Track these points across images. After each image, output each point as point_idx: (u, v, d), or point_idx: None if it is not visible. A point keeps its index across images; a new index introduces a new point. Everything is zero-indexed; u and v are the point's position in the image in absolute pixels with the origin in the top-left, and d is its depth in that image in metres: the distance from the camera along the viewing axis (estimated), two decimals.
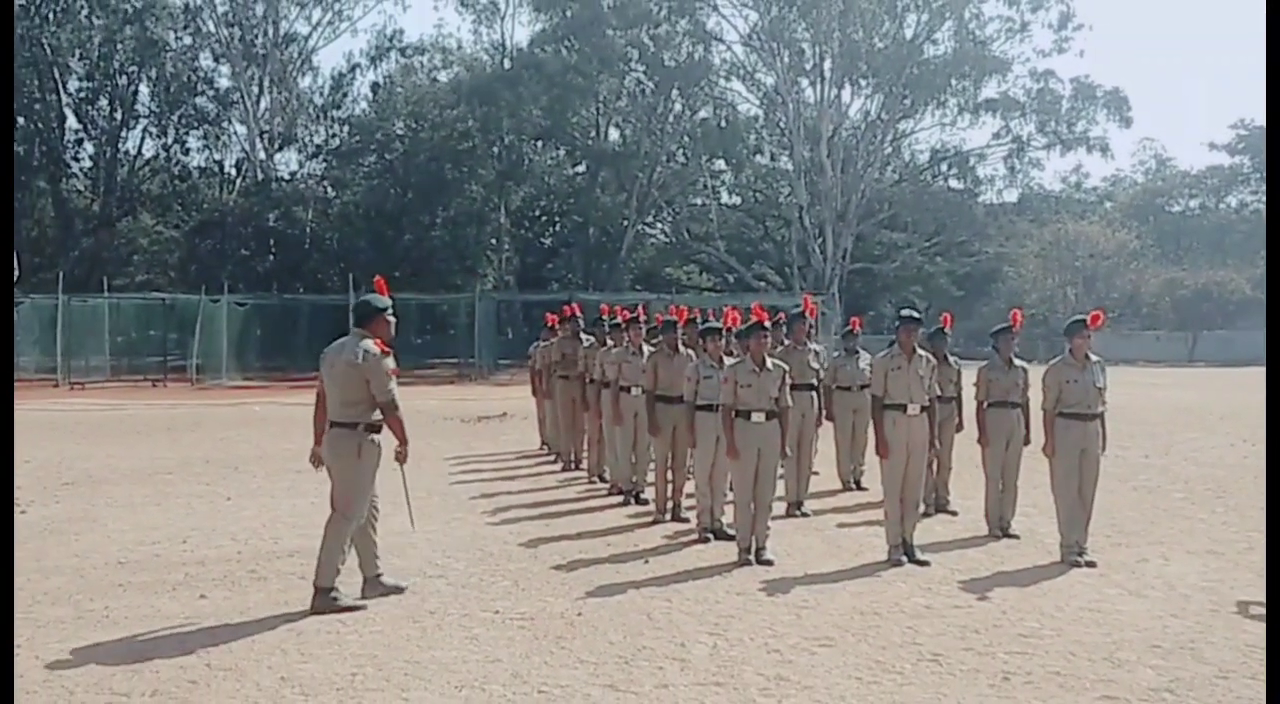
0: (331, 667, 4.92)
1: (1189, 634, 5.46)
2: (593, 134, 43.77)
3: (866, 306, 40.75)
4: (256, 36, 41.14)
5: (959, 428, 9.03)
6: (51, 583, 6.49)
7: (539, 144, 43.77)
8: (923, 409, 7.14)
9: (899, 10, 40.46)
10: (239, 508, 9.14)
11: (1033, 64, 43.19)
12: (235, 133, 43.00)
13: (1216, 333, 44.36)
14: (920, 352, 7.28)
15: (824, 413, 10.10)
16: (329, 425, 5.93)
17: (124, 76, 40.17)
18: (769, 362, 7.18)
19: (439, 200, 40.79)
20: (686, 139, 43.11)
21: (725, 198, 47.38)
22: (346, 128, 43.60)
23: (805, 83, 42.00)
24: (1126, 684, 4.74)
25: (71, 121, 40.59)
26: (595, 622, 5.62)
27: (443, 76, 45.24)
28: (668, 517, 8.49)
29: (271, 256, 40.73)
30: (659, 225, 48.64)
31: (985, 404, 8.12)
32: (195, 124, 42.38)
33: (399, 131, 42.00)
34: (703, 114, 43.31)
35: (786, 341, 9.24)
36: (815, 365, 9.25)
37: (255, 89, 41.50)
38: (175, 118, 41.69)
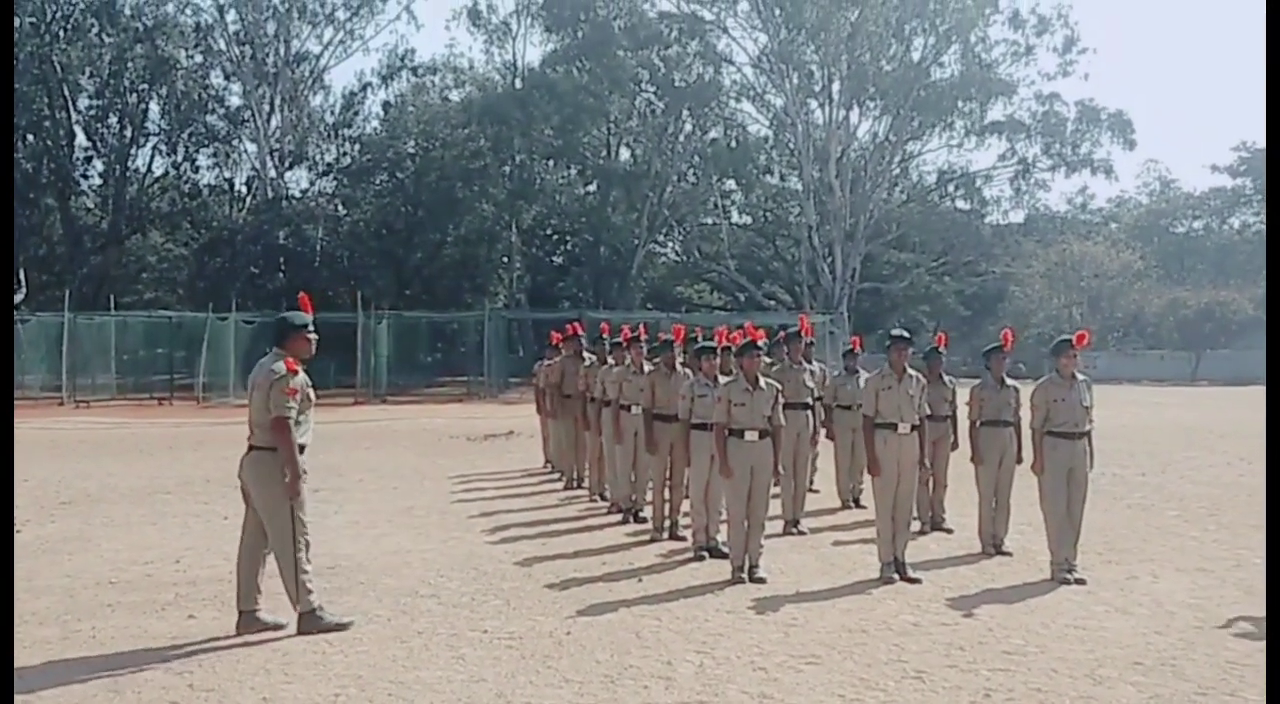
0: (315, 688, 4.94)
1: (1172, 651, 5.49)
2: (604, 153, 43.96)
3: (875, 326, 40.70)
4: (268, 55, 41.37)
5: (954, 446, 9.08)
6: (41, 603, 6.51)
7: (550, 163, 43.95)
8: (913, 428, 7.19)
9: (906, 34, 40.69)
10: (235, 527, 8.95)
11: (1038, 87, 43.67)
12: (246, 151, 43.20)
13: (1220, 352, 44.24)
14: (911, 371, 7.34)
15: (825, 431, 10.18)
16: (249, 449, 5.88)
17: (134, 94, 40.41)
18: (762, 381, 7.23)
19: (450, 219, 40.94)
20: (697, 159, 43.31)
21: (735, 217, 47.55)
22: (357, 146, 43.77)
23: (814, 104, 42.23)
24: (1106, 701, 4.78)
25: (81, 139, 40.81)
26: (583, 641, 5.65)
27: (454, 96, 45.50)
28: (665, 534, 8.53)
29: (281, 274, 40.78)
30: (669, 244, 48.81)
31: (978, 423, 8.19)
32: (205, 142, 42.50)
33: (410, 150, 42.19)
34: (713, 134, 43.54)
35: (785, 360, 9.30)
36: (811, 384, 9.29)
37: (266, 107, 41.68)
38: (185, 135, 41.81)
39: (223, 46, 41.23)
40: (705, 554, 7.70)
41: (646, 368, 9.11)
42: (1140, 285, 46.66)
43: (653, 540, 8.44)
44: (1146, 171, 63.88)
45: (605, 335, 10.70)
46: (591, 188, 44.70)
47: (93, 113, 41.02)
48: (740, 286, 44.81)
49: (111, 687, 4.94)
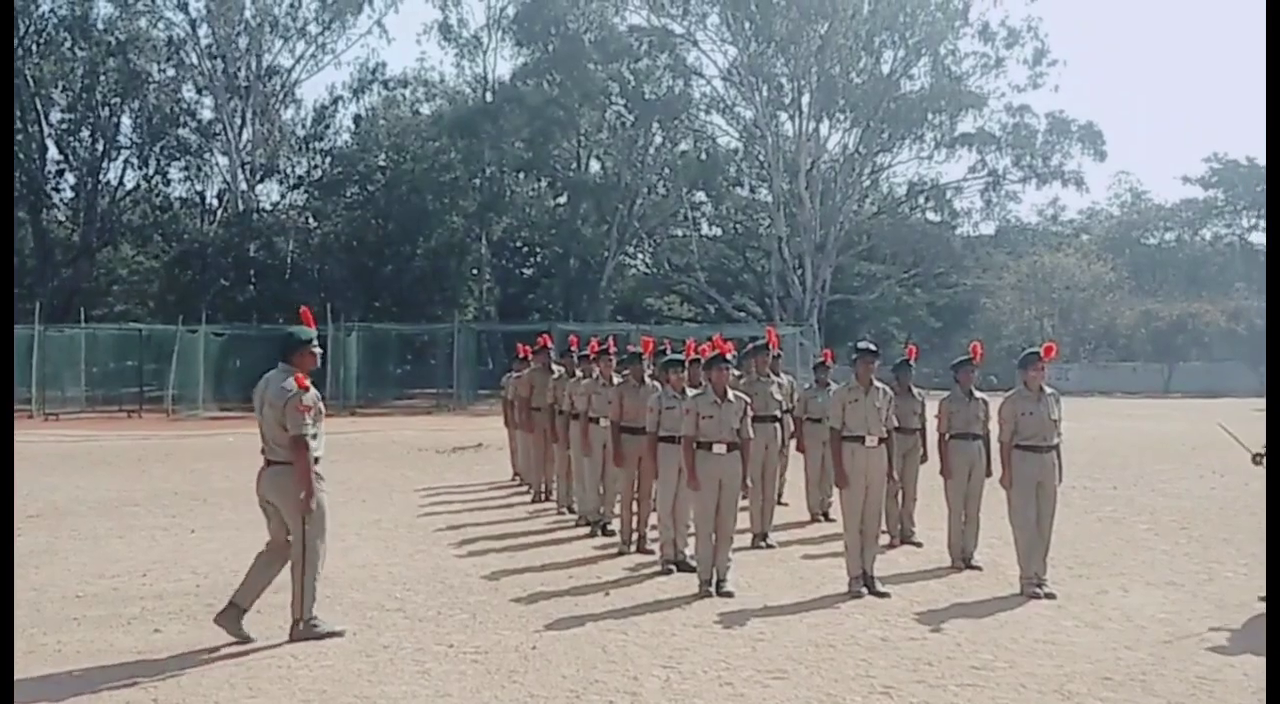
0: (280, 702, 4.89)
1: (1141, 666, 5.48)
2: (574, 166, 44.03)
3: (846, 337, 40.88)
4: (239, 69, 41.29)
5: (923, 459, 9.08)
6: None
7: (520, 176, 44.01)
8: (881, 441, 7.17)
9: (876, 46, 40.99)
10: (203, 541, 9.08)
11: (1008, 99, 43.80)
12: (217, 164, 43.11)
13: (1192, 364, 44.75)
14: (878, 384, 7.32)
15: (796, 443, 10.18)
16: (266, 463, 5.93)
17: (106, 108, 40.26)
18: (731, 393, 7.21)
19: (420, 231, 40.92)
20: (667, 171, 43.45)
21: (705, 229, 47.68)
22: (328, 159, 43.81)
23: (784, 116, 42.45)
24: None
25: (53, 152, 40.72)
26: (549, 655, 5.60)
27: (425, 109, 45.57)
28: (632, 547, 8.49)
29: (251, 287, 40.66)
30: (640, 256, 48.90)
31: (947, 436, 8.18)
32: (177, 155, 42.42)
33: (381, 163, 42.24)
34: (683, 147, 43.73)
35: (752, 372, 9.29)
36: (779, 397, 9.29)
37: (238, 121, 41.63)
38: (157, 149, 41.70)
39: (195, 60, 41.14)
40: (673, 568, 7.66)
41: (615, 380, 9.07)
42: (1112, 297, 47.14)
43: (620, 553, 8.40)
44: (1118, 183, 64.51)
45: (574, 348, 10.66)
46: (562, 200, 44.76)
47: (65, 126, 40.93)
48: (710, 298, 44.91)
49: (75, 701, 4.86)
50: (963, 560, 7.98)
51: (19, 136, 38.35)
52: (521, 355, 12.79)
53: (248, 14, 40.64)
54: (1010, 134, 43.71)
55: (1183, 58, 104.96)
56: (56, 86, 39.06)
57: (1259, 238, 60.86)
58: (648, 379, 8.74)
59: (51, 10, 38.89)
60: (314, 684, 5.13)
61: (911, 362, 9.01)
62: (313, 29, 42.10)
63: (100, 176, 41.04)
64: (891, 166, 46.30)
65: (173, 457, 16.75)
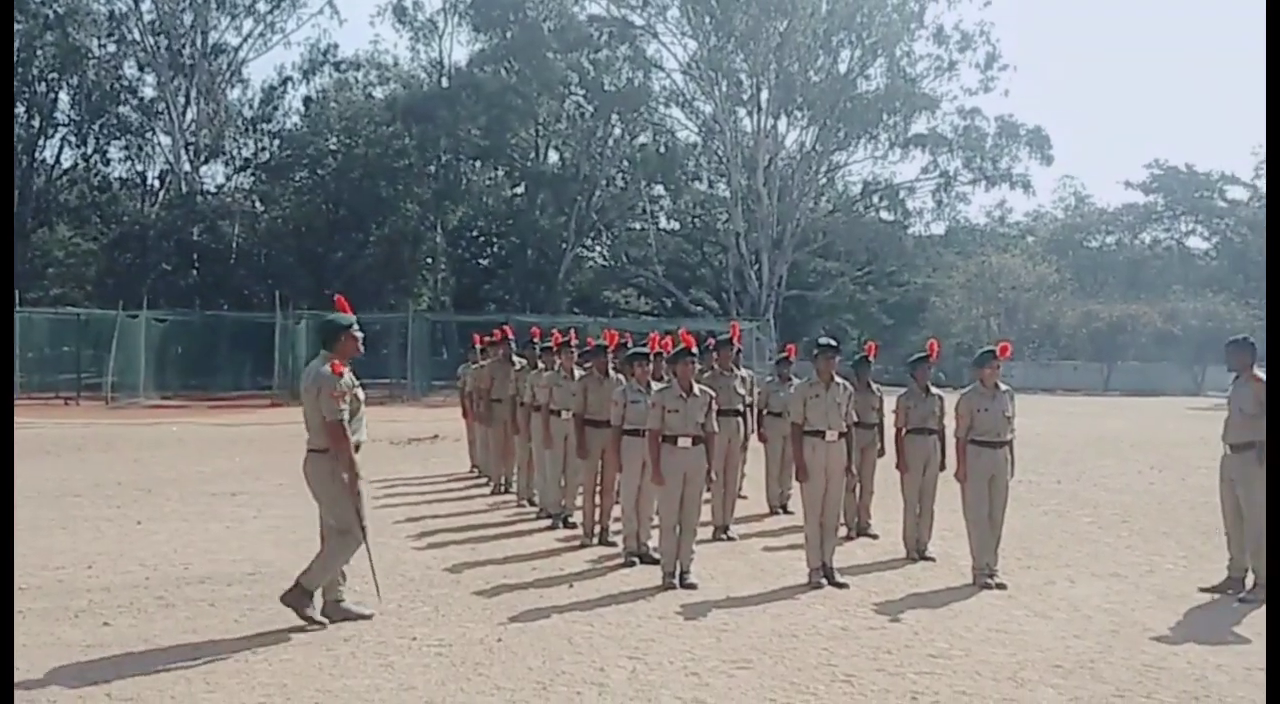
0: (238, 696, 4.82)
1: (1090, 654, 5.62)
2: (531, 156, 43.78)
3: (801, 333, 41.18)
4: (184, 46, 40.26)
5: (880, 453, 9.19)
6: None
7: (477, 164, 43.64)
8: (841, 435, 7.25)
9: (834, 45, 41.32)
10: (150, 532, 8.91)
11: (960, 102, 44.51)
12: (159, 144, 42.04)
13: (1130, 364, 45.72)
14: (838, 379, 7.39)
15: (758, 436, 10.19)
16: (307, 451, 5.95)
17: (43, 83, 39.20)
18: (696, 387, 7.25)
19: (373, 218, 40.37)
20: (626, 163, 43.40)
21: (663, 223, 47.73)
22: (277, 142, 43.01)
23: (743, 112, 42.63)
24: (1028, 703, 4.88)
25: None
26: (515, 647, 5.59)
27: (378, 93, 44.94)
28: (595, 540, 8.48)
29: (194, 272, 39.79)
30: (597, 248, 48.79)
31: (904, 431, 8.32)
32: (117, 134, 41.48)
33: (332, 147, 41.52)
34: (642, 139, 43.70)
35: (714, 367, 9.33)
36: (742, 391, 9.37)
37: (181, 99, 40.59)
38: (96, 127, 40.79)
39: (137, 36, 40.00)
40: (636, 560, 7.66)
41: (578, 373, 9.07)
42: (1055, 297, 47.95)
43: (583, 546, 8.38)
44: (1062, 187, 65.62)
45: (536, 339, 10.59)
46: (519, 190, 44.52)
47: None
48: (667, 292, 45.01)
49: (25, 697, 4.75)
50: (917, 552, 8.11)
51: None
52: (480, 346, 12.63)
53: None
54: (961, 136, 44.40)
55: (1127, 66, 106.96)
56: None
57: (1196, 242, 62.33)
58: (611, 372, 8.74)
59: None
60: (273, 678, 5.06)
61: (870, 358, 9.12)
62: (261, 7, 41.32)
63: (36, 155, 39.99)
64: (847, 165, 46.86)
65: (114, 446, 16.43)
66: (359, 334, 6.06)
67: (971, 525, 7.33)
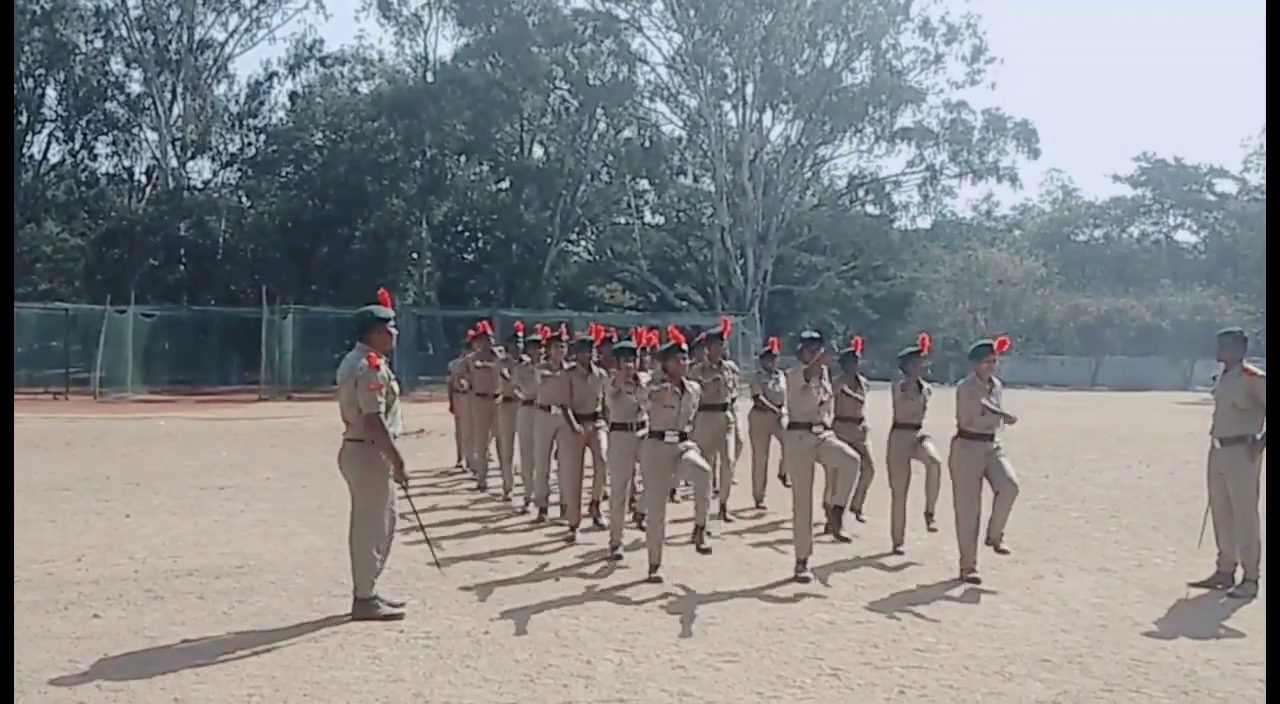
0: (227, 688, 4.83)
1: (1078, 649, 5.65)
2: (517, 150, 43.70)
3: (786, 327, 41.21)
4: (170, 42, 40.11)
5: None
6: None
7: (462, 159, 43.54)
8: (826, 428, 7.26)
9: (819, 38, 41.28)
10: (138, 525, 8.90)
11: (946, 95, 44.51)
12: (146, 139, 41.85)
13: (1118, 358, 45.87)
14: (824, 373, 7.38)
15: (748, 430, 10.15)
16: (344, 441, 6.04)
17: (30, 79, 38.89)
18: (687, 383, 7.25)
19: (358, 213, 40.29)
20: (610, 158, 43.33)
21: (648, 217, 47.72)
22: (263, 137, 42.81)
23: (727, 106, 42.60)
24: (1016, 697, 4.90)
25: None
26: (502, 640, 5.60)
27: (364, 88, 44.73)
28: (576, 534, 8.43)
29: (182, 267, 39.69)
30: (582, 243, 48.75)
31: (894, 426, 8.31)
32: (104, 129, 41.15)
33: (318, 142, 41.38)
34: (627, 134, 43.60)
35: (705, 360, 9.34)
36: (732, 385, 9.39)
37: (168, 95, 40.48)
38: (83, 123, 40.49)
39: (124, 32, 39.84)
40: (623, 555, 7.65)
41: (564, 366, 9.03)
42: (1042, 292, 48.09)
43: (570, 541, 8.34)
44: (1049, 180, 65.96)
45: (520, 333, 10.56)
46: (504, 185, 44.41)
47: None
48: (652, 287, 44.99)
49: (16, 688, 4.73)
50: (924, 515, 8.19)
51: None
52: (469, 340, 12.63)
53: None
54: (948, 130, 44.40)
55: (1114, 59, 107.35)
56: None
57: (1184, 236, 62.67)
58: (594, 367, 8.75)
59: None
60: (262, 670, 5.07)
61: (858, 353, 9.09)
62: (247, 2, 41.01)
63: (23, 150, 39.61)
64: (832, 159, 46.82)
65: (103, 440, 16.36)
66: (394, 330, 6.14)
67: (962, 520, 7.30)
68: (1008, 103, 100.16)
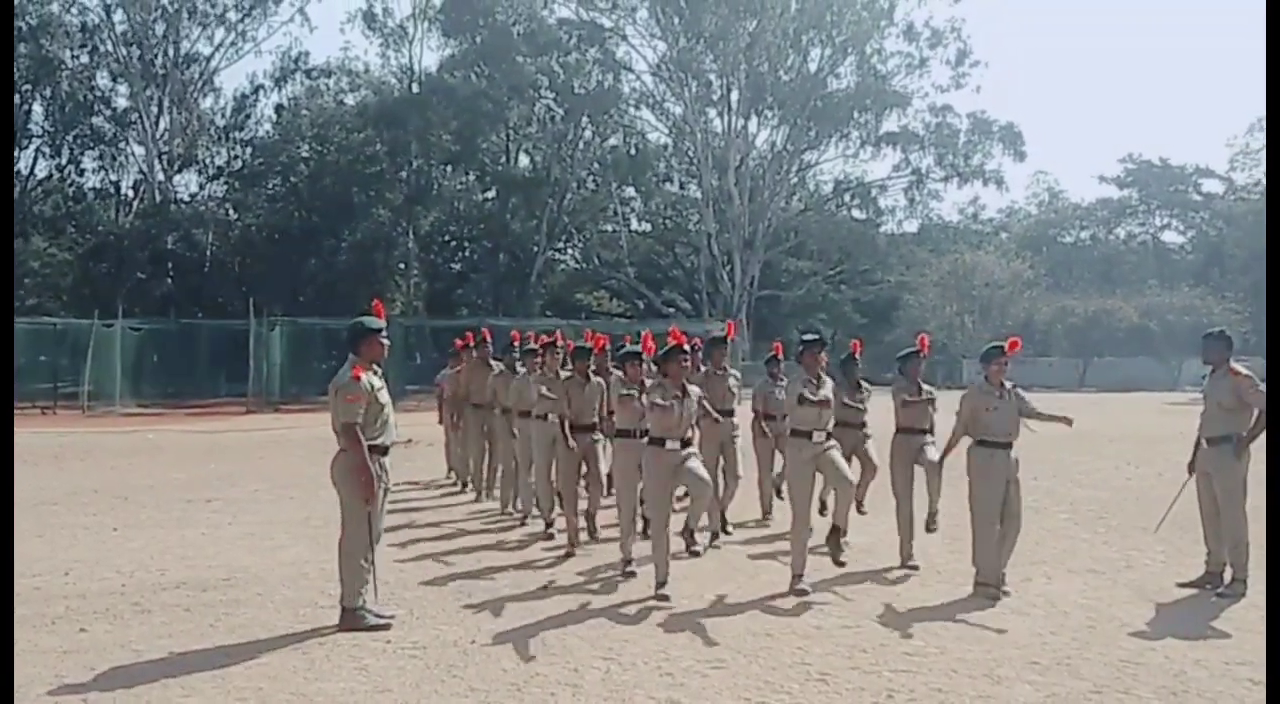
0: (214, 701, 4.81)
1: (1066, 651, 5.64)
2: (503, 160, 43.81)
3: (773, 333, 41.28)
4: (156, 56, 40.28)
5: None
6: None
7: (448, 169, 43.64)
8: (828, 435, 7.00)
9: (803, 44, 41.46)
10: (126, 539, 8.87)
11: (931, 99, 44.75)
12: (133, 153, 42.08)
13: (1106, 360, 46.01)
14: (825, 376, 7.14)
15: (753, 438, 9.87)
16: (339, 450, 6.05)
17: (17, 95, 38.90)
18: (688, 387, 7.01)
19: (345, 224, 40.33)
20: (596, 166, 43.48)
21: (635, 225, 47.83)
22: (249, 149, 42.97)
23: (713, 113, 42.73)
24: (1004, 700, 4.90)
25: None
26: (489, 649, 5.59)
27: (349, 99, 44.89)
28: (576, 549, 8.16)
29: (169, 280, 39.80)
30: (569, 251, 48.87)
31: (897, 431, 8.02)
32: (91, 144, 41.30)
33: (304, 154, 41.48)
34: (612, 142, 43.77)
35: (705, 366, 9.13)
36: (735, 391, 9.15)
37: (154, 109, 40.69)
38: (70, 138, 40.62)
39: (110, 47, 40.01)
40: (636, 571, 7.26)
41: (561, 375, 8.77)
42: (1030, 294, 48.25)
43: (568, 555, 8.06)
44: (1036, 183, 66.28)
45: (516, 343, 10.32)
46: (490, 194, 44.50)
47: None
48: (640, 294, 45.05)
49: None
50: (926, 528, 7.89)
51: None
52: (458, 351, 12.37)
53: (165, 0, 39.63)
54: (933, 133, 44.61)
55: (1099, 60, 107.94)
56: None
57: (1171, 236, 63.03)
58: (593, 376, 8.54)
59: None
60: (249, 683, 5.05)
61: (857, 356, 8.82)
62: (232, 16, 41.37)
63: (11, 166, 39.70)
64: (818, 164, 47.06)
65: (91, 454, 16.30)
66: (386, 341, 6.23)
67: (979, 530, 6.91)
68: (993, 106, 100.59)
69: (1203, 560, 7.22)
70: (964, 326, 45.86)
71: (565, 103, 41.40)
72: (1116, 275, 54.88)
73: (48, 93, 39.15)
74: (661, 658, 5.44)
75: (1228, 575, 7.00)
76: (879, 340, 43.58)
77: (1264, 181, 47.87)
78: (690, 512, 7.07)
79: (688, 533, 8.13)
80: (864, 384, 8.85)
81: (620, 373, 7.95)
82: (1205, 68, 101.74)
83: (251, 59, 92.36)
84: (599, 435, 8.49)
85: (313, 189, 40.22)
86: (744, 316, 38.61)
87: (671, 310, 43.91)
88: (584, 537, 8.50)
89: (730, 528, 9.10)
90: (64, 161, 41.27)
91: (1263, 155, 51.66)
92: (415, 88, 42.03)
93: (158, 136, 40.73)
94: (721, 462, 8.91)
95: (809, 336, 7.30)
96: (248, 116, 43.89)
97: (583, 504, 8.73)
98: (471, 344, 11.40)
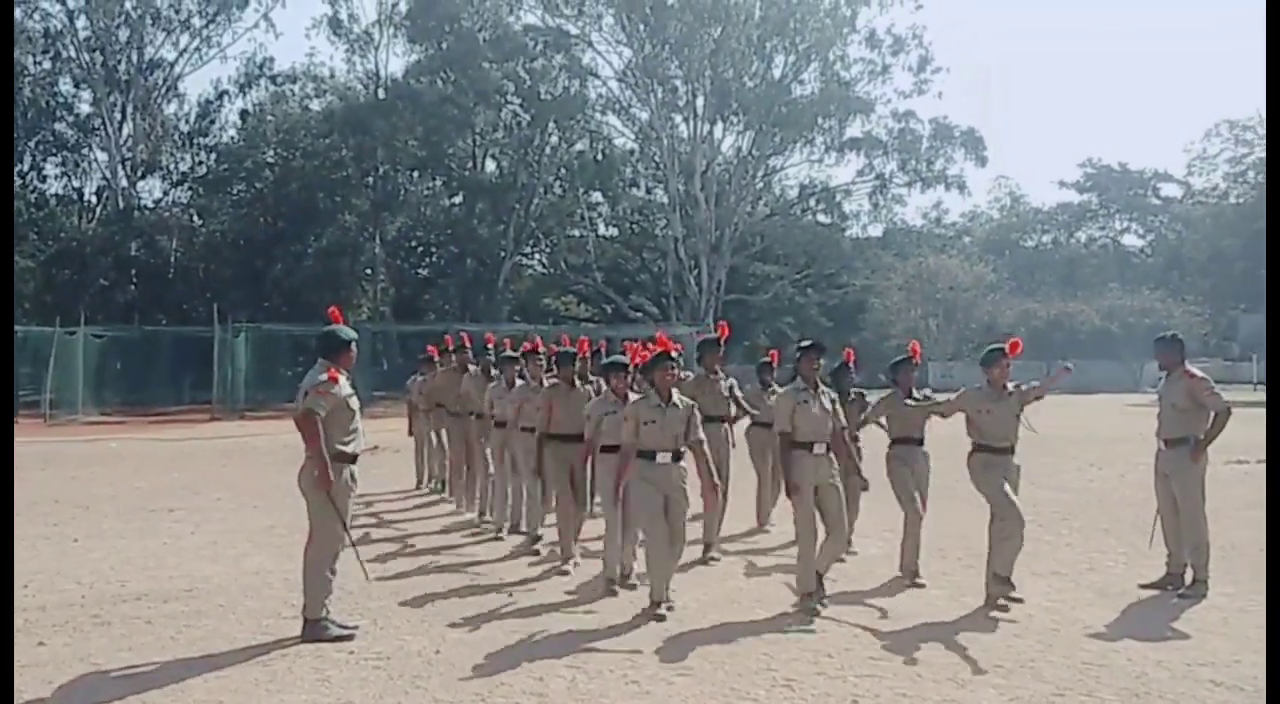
0: None
1: (1030, 653, 5.69)
2: (469, 165, 43.69)
3: (741, 337, 41.42)
4: (120, 62, 39.95)
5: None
6: None
7: (414, 174, 43.51)
8: (829, 447, 6.73)
9: (767, 51, 41.56)
10: (87, 550, 8.74)
11: (894, 105, 44.97)
12: (96, 160, 41.64)
13: (1068, 362, 46.45)
14: (823, 385, 6.89)
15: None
16: (306, 456, 5.99)
17: None
18: (676, 396, 6.65)
19: (311, 230, 40.14)
20: (563, 171, 43.45)
21: (602, 229, 47.81)
22: (214, 155, 42.69)
23: (679, 118, 42.77)
24: (969, 703, 4.93)
25: None
26: (453, 659, 5.55)
27: (315, 105, 44.64)
28: (571, 565, 7.76)
29: (133, 287, 39.40)
30: (537, 256, 48.80)
31: (891, 440, 7.77)
32: (54, 150, 40.95)
33: (269, 160, 41.26)
34: (579, 147, 43.72)
35: (697, 371, 8.91)
36: (728, 396, 8.84)
37: (118, 115, 40.30)
38: (32, 144, 40.20)
39: (73, 53, 39.65)
40: (637, 583, 7.06)
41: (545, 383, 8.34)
42: (993, 297, 48.67)
43: (564, 574, 7.69)
44: (997, 187, 66.92)
45: (490, 346, 10.14)
46: (457, 199, 44.40)
47: None
48: (607, 298, 45.03)
49: None
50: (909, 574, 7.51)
51: None
52: (431, 356, 12.11)
53: (128, 5, 39.37)
54: (896, 139, 44.84)
55: (1059, 66, 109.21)
56: None
57: (1131, 240, 63.95)
58: (578, 382, 8.12)
59: None
60: (210, 695, 4.99)
61: (850, 364, 8.40)
62: (196, 22, 41.06)
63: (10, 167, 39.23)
64: (784, 169, 47.14)
65: (52, 463, 16.05)
66: (355, 349, 6.30)
67: (996, 545, 6.74)
68: (954, 112, 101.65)
69: (1164, 562, 7.30)
70: (929, 330, 46.13)
71: (531, 108, 41.32)
72: (1078, 278, 55.52)
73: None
74: (627, 665, 5.44)
75: (1189, 577, 7.07)
76: (846, 343, 43.76)
77: (1264, 181, 48.54)
78: (652, 582, 6.56)
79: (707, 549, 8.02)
80: (865, 395, 8.52)
81: (604, 384, 7.63)
82: (1163, 74, 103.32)
83: (216, 65, 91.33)
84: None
85: (278, 195, 39.99)
86: (711, 321, 38.64)
87: (639, 315, 43.90)
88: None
89: (716, 554, 8.32)
90: (26, 168, 40.80)
91: (1220, 160, 52.53)
92: (381, 93, 41.84)
93: (121, 143, 40.35)
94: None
95: (805, 342, 7.02)
96: (212, 122, 43.65)
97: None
98: (451, 348, 11.14)
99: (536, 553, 8.38)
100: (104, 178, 41.22)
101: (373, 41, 42.81)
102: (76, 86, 40.57)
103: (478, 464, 10.20)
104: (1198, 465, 7.08)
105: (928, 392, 8.06)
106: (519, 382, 8.88)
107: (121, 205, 39.91)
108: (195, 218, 42.19)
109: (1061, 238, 63.08)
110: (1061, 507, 10.96)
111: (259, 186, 40.96)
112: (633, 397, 6.90)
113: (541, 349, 8.80)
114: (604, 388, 7.70)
